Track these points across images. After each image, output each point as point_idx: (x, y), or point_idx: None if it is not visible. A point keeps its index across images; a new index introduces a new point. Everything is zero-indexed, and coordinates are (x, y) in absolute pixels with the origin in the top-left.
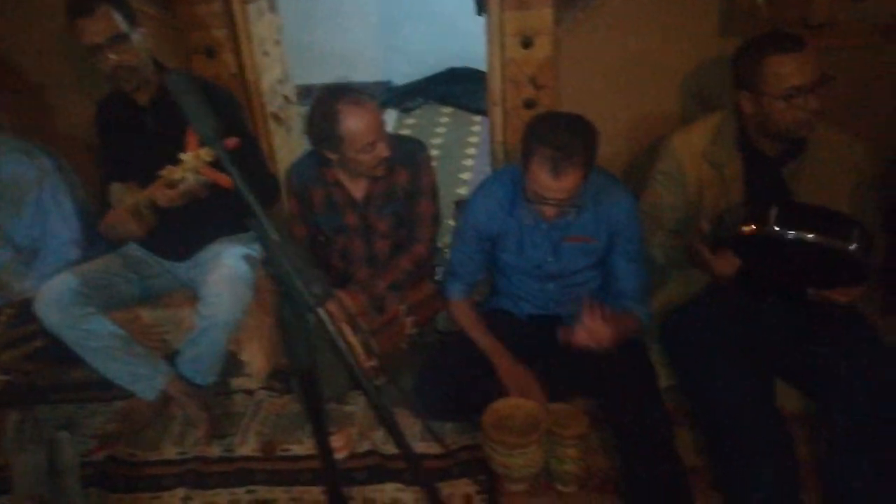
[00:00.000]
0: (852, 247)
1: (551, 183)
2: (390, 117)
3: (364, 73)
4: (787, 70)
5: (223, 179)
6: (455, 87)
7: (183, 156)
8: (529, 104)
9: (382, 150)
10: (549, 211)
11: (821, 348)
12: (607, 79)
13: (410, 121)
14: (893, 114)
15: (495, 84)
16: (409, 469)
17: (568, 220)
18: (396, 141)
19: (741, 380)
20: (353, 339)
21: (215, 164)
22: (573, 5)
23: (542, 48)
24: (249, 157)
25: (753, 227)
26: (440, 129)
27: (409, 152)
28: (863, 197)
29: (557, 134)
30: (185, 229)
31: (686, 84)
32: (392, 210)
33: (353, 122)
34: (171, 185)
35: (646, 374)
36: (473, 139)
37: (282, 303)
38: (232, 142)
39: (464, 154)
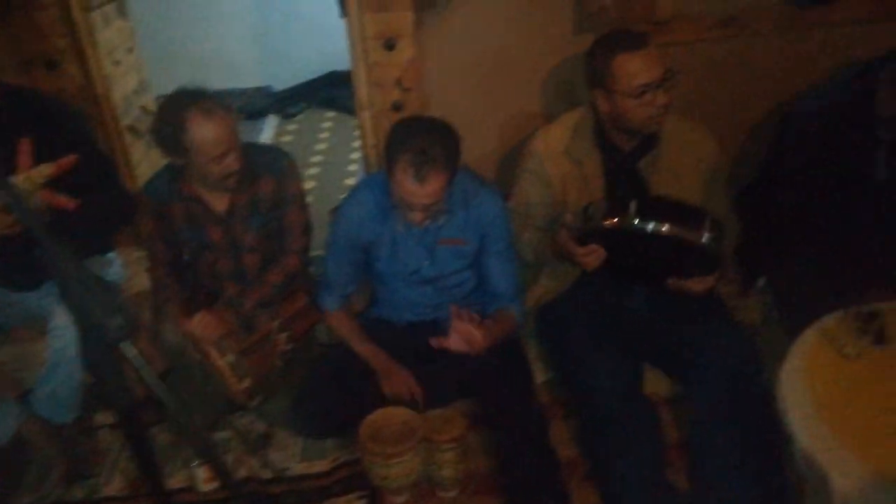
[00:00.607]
0: (704, 238)
1: (416, 189)
2: (271, 123)
3: (243, 79)
4: (634, 68)
5: (62, 201)
6: (337, 91)
7: (13, 179)
8: (397, 107)
9: (233, 162)
10: (418, 216)
11: (682, 332)
12: (473, 79)
13: (292, 126)
14: (736, 101)
15: (361, 88)
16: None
17: (439, 224)
18: (259, 151)
19: (609, 367)
20: (220, 363)
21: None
22: (433, 7)
23: (405, 50)
24: (97, 175)
25: (615, 220)
26: (324, 135)
27: (272, 161)
28: (715, 185)
29: (418, 140)
30: (30, 256)
31: (549, 82)
32: (259, 222)
33: (201, 131)
34: (5, 210)
35: (520, 371)
36: (358, 143)
37: (83, 338)
38: (66, 161)
39: (348, 160)
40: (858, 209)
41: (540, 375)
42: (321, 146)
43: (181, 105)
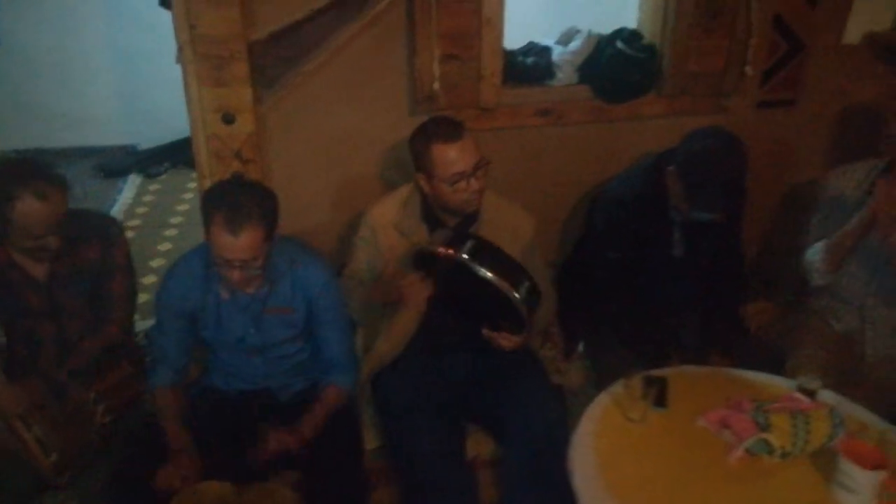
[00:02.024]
0: (517, 296)
1: (230, 241)
2: (133, 183)
3: (106, 137)
4: (450, 158)
5: None
6: None
7: None
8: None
9: (52, 242)
10: (235, 275)
11: (499, 393)
12: (315, 153)
13: (155, 187)
14: (554, 183)
15: (202, 158)
16: None
17: (265, 292)
18: (85, 217)
19: (430, 431)
20: (26, 436)
21: None
22: (273, 85)
23: (245, 124)
24: None
25: (450, 251)
26: (187, 195)
27: (99, 228)
28: (532, 259)
29: (231, 195)
30: None
31: (387, 158)
32: (83, 288)
33: (28, 212)
34: None
35: (348, 440)
36: None
37: None
38: None
39: None
40: (661, 283)
41: (371, 442)
42: (183, 207)
43: (14, 179)
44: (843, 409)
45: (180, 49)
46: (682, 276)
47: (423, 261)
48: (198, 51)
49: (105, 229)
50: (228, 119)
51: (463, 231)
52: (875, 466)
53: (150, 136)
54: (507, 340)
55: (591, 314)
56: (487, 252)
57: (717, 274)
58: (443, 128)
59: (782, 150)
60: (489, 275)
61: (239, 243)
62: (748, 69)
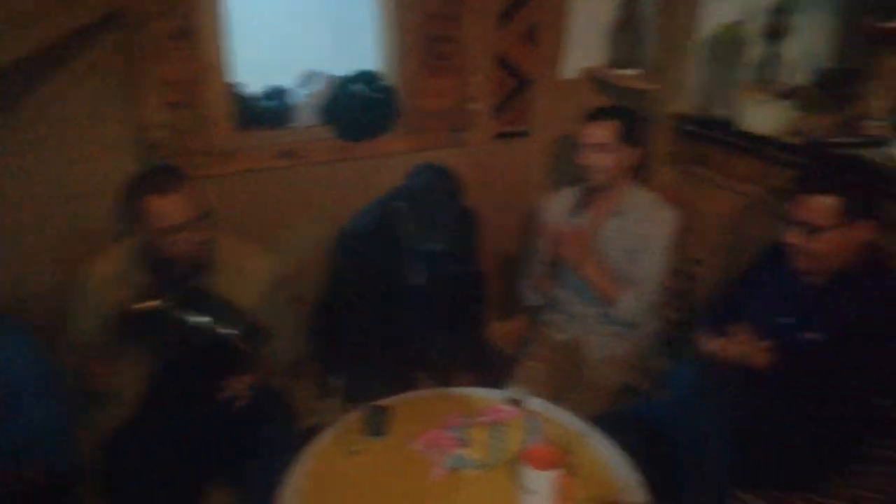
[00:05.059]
0: (237, 337)
1: None
2: None
3: None
4: (165, 211)
5: None
6: None
7: None
8: None
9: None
10: None
11: (239, 444)
12: (35, 201)
13: None
14: (306, 221)
15: None
16: None
17: None
18: None
19: (165, 493)
20: None
21: None
22: None
23: None
24: None
25: (152, 304)
26: None
27: None
28: (275, 301)
29: None
30: None
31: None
32: None
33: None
34: None
35: None
36: None
37: None
38: None
39: None
40: (405, 310)
41: None
42: None
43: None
44: (549, 414)
45: None
46: (425, 302)
47: (133, 320)
48: None
49: None
50: None
51: (185, 280)
52: (552, 467)
53: None
54: (239, 384)
55: (345, 348)
56: (200, 299)
57: (457, 297)
58: (157, 179)
59: (521, 177)
60: (198, 319)
61: None
62: (473, 105)
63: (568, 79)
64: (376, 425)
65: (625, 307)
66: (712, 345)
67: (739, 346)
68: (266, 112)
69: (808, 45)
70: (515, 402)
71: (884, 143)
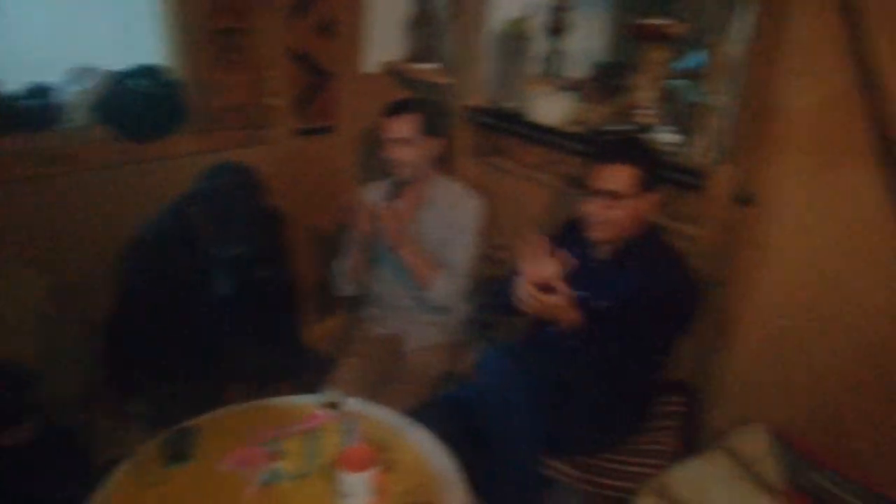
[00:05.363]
0: None
1: None
2: None
3: None
4: None
5: None
6: None
7: None
8: None
9: None
10: None
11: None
12: None
13: None
14: (85, 234)
15: None
16: None
17: None
18: None
19: None
20: None
21: None
22: None
23: None
24: None
25: None
26: None
27: None
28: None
29: None
30: None
31: None
32: None
33: None
34: None
35: None
36: None
37: None
38: None
39: None
40: (212, 322)
41: None
42: None
43: None
44: (367, 413)
45: None
46: (233, 311)
47: None
48: None
49: None
50: None
51: None
52: (368, 467)
53: None
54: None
55: (142, 369)
56: None
57: (268, 303)
58: None
59: (329, 173)
60: None
61: None
62: (271, 101)
63: (370, 73)
64: (179, 450)
65: (440, 290)
66: (528, 292)
67: (552, 300)
68: (27, 113)
69: (588, 41)
70: (332, 406)
71: (650, 129)
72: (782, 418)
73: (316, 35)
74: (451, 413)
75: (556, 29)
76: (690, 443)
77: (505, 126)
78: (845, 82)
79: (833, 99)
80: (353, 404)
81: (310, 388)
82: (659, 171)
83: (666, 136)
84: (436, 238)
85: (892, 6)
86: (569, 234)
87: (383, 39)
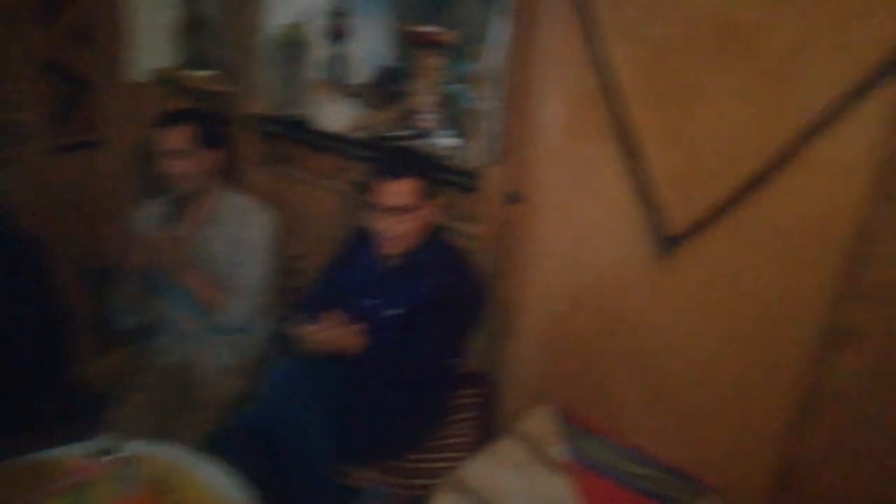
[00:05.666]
0: None
1: None
2: None
3: None
4: None
5: None
6: None
7: None
8: None
9: None
10: None
11: None
12: None
13: None
14: None
15: None
16: None
17: None
18: None
19: None
20: None
21: None
22: None
23: None
24: None
25: None
26: None
27: None
28: None
29: None
30: None
31: None
32: None
33: None
34: None
35: None
36: None
37: None
38: None
39: None
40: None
41: None
42: None
43: None
44: (150, 453)
45: None
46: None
47: None
48: None
49: None
50: None
51: None
52: None
53: None
54: None
55: None
56: None
57: (28, 342)
58: None
59: (99, 192)
60: None
61: None
62: (19, 116)
63: (140, 82)
64: None
65: (230, 312)
66: (305, 332)
67: (330, 332)
68: None
69: (372, 46)
70: (106, 452)
71: (430, 134)
72: (565, 397)
73: (70, 41)
74: (247, 436)
75: (337, 34)
76: (489, 432)
77: (291, 134)
78: (590, 87)
79: (581, 102)
80: (133, 447)
81: (83, 434)
82: (439, 176)
83: (444, 140)
84: (223, 256)
85: (624, 16)
86: (359, 243)
87: (151, 45)
